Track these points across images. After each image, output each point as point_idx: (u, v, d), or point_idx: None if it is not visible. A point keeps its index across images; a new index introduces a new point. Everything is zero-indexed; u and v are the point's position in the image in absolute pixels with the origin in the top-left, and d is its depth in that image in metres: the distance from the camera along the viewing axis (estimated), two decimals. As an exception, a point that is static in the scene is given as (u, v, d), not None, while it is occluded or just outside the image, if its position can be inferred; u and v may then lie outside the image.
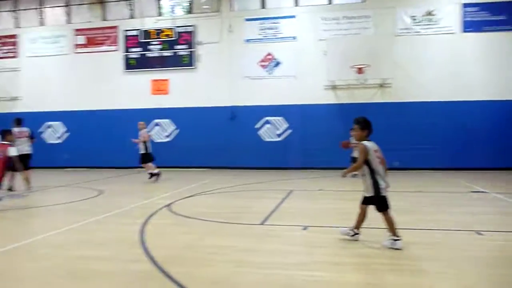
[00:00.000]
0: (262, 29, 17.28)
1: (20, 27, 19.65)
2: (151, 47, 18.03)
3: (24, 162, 10.65)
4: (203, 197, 10.02)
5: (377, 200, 5.43)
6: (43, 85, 19.01)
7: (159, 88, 18.00)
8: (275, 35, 17.20)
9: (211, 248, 5.48)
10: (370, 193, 5.48)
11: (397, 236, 5.31)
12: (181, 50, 17.80)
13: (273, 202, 8.86)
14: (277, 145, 16.96)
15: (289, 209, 8.40)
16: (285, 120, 16.98)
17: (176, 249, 5.47)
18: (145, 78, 18.11)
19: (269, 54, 17.17)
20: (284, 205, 8.73)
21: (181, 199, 9.54)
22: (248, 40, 17.37)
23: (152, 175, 13.03)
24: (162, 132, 17.91)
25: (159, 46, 17.97)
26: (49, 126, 18.97)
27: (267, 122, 17.10)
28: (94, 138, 18.09)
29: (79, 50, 18.88)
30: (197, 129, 17.42)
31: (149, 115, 17.62)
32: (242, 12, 17.64)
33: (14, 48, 19.52)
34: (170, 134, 17.86)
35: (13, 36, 19.54)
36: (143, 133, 13.24)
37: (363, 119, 5.60)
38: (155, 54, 18.00)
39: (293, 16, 17.09)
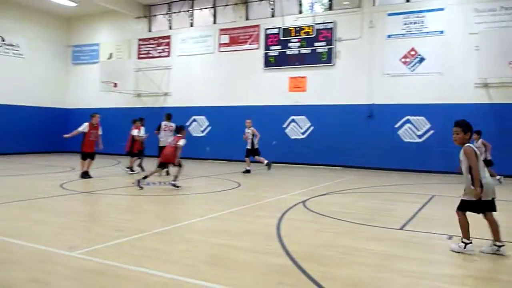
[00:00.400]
0: (405, 24, 16.37)
1: (172, 29, 21.50)
2: (290, 44, 18.30)
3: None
4: (338, 196, 9.84)
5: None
6: (191, 82, 20.57)
7: (297, 85, 18.20)
8: (420, 30, 16.16)
9: (348, 249, 5.29)
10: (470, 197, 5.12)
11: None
12: (320, 47, 17.73)
13: (413, 207, 8.32)
14: (417, 146, 15.96)
15: (431, 215, 7.79)
16: (426, 120, 15.89)
17: (311, 246, 5.40)
18: (283, 75, 18.46)
19: (412, 50, 16.21)
20: (425, 210, 8.13)
21: (316, 196, 9.48)
22: (390, 36, 16.62)
23: (246, 171, 13.95)
24: (298, 129, 18.08)
25: (298, 44, 18.15)
26: (194, 120, 20.47)
27: (407, 121, 16.18)
28: (234, 132, 18.99)
29: (222, 49, 19.98)
30: (333, 127, 17.23)
31: (286, 111, 17.94)
32: (385, 7, 16.92)
33: (167, 48, 21.42)
34: (306, 131, 17.94)
35: (167, 37, 21.46)
36: (252, 131, 14.39)
37: (465, 122, 5.30)
38: (294, 52, 18.23)
39: (441, 9, 15.87)
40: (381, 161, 16.23)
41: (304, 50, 18.02)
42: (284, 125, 18.26)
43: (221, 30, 20.04)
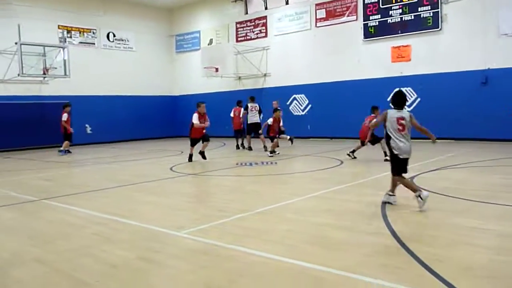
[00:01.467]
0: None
1: (268, 9, 21.44)
2: (391, 12, 17.21)
3: (255, 130, 14.98)
4: (450, 171, 9.10)
5: None
6: (288, 61, 20.42)
7: (400, 54, 17.13)
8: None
9: (462, 229, 4.84)
10: None
11: None
12: (425, 12, 16.42)
13: (540, 181, 7.40)
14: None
15: None
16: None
17: (421, 226, 5.04)
18: (385, 45, 17.49)
19: (534, 4, 14.31)
20: (557, 184, 7.19)
21: (426, 172, 8.87)
22: (506, -10, 14.82)
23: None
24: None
25: (399, 11, 17.02)
26: (294, 99, 20.36)
27: (531, 86, 14.42)
28: (335, 109, 18.57)
29: (319, 24, 19.48)
30: (443, 96, 15.96)
31: (390, 84, 17.01)
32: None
33: (264, 29, 21.46)
34: (412, 103, 16.85)
35: (263, 18, 21.48)
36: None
37: None
38: (396, 20, 17.13)
39: None
40: (500, 131, 14.71)
41: (407, 17, 16.84)
42: (388, 98, 17.34)
43: (317, 4, 19.50)
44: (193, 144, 12.46)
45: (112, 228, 5.41)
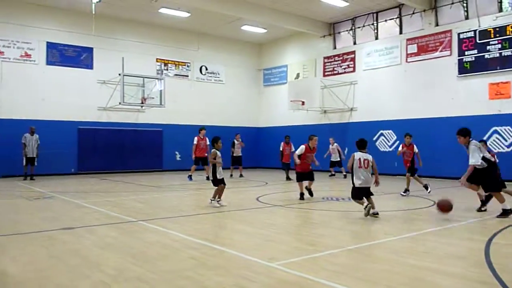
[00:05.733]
0: None
1: (356, 44, 21.41)
2: (489, 47, 16.43)
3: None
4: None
5: None
6: (376, 96, 20.10)
7: (499, 91, 16.18)
8: None
9: None
10: None
11: None
12: (527, 47, 15.49)
13: None
14: None
15: None
16: None
17: (533, 277, 4.60)
18: (481, 81, 16.64)
19: None
20: None
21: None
22: None
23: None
24: (502, 141, 16.02)
25: (498, 46, 16.19)
26: (381, 134, 19.88)
27: None
28: (426, 146, 17.78)
29: (410, 59, 19.05)
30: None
31: (487, 122, 16.09)
32: None
33: (352, 63, 21.41)
34: (512, 143, 15.77)
35: (351, 53, 21.47)
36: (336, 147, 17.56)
37: None
38: (494, 55, 16.30)
39: None
40: None
41: (507, 52, 15.95)
42: (485, 137, 16.37)
43: (408, 39, 19.14)
44: (299, 179, 11.37)
45: (206, 254, 5.55)
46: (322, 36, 22.63)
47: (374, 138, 19.80)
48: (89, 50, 20.46)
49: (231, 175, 18.57)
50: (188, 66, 23.57)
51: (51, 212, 9.09)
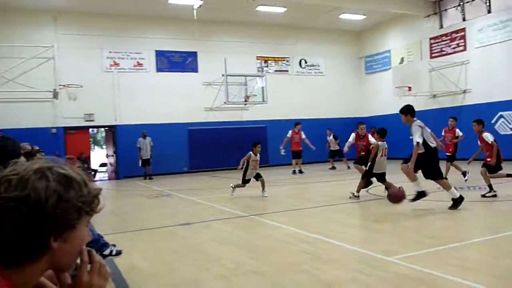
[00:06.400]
0: None
1: (466, 20, 19.80)
2: None
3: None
4: None
5: None
6: (493, 75, 18.40)
7: None
8: None
9: None
10: None
11: None
12: None
13: None
14: None
15: None
16: None
17: None
18: None
19: None
20: None
21: None
22: None
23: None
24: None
25: None
26: (501, 116, 18.18)
27: None
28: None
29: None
30: None
31: None
32: None
33: (463, 42, 19.84)
34: None
35: (461, 30, 19.91)
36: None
37: None
38: None
39: None
40: None
41: None
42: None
43: (527, 9, 17.25)
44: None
45: (319, 247, 5.52)
46: (426, 16, 21.27)
47: (493, 121, 18.15)
48: (194, 55, 21.51)
49: (334, 167, 18.99)
50: (287, 61, 23.67)
51: (170, 209, 9.73)
